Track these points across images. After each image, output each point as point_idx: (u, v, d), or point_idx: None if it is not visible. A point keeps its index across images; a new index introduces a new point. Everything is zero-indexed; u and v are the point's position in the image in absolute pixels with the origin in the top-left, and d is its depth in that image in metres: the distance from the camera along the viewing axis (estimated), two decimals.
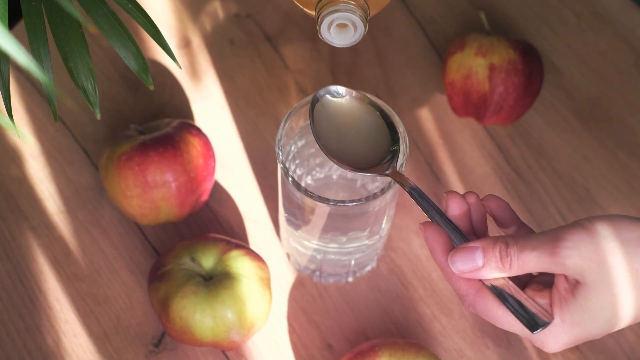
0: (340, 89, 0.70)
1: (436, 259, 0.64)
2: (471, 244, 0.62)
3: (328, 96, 0.70)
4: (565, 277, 0.61)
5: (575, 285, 0.60)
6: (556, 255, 0.60)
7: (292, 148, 0.75)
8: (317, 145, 0.75)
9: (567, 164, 0.88)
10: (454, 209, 0.64)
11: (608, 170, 0.87)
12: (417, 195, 0.65)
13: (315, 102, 0.69)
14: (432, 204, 0.64)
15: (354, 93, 0.71)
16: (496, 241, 0.62)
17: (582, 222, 0.61)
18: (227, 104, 0.90)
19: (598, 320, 0.60)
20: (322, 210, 0.73)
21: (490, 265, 0.62)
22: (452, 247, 0.63)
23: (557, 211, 0.86)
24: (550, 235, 0.61)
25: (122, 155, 0.80)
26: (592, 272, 0.60)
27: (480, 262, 0.62)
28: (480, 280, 0.63)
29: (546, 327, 0.61)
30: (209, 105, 0.90)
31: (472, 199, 0.65)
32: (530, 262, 0.61)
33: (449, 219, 0.64)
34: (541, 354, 0.83)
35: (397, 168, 0.70)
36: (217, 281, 0.77)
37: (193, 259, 0.78)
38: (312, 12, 0.66)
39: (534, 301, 0.61)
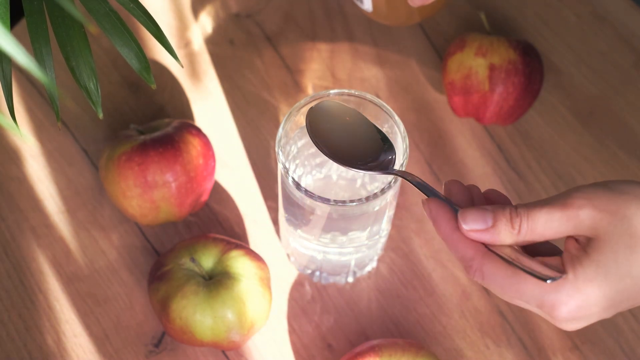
0: (330, 101, 0.71)
1: (440, 229, 0.63)
2: (481, 207, 0.62)
3: (319, 105, 0.71)
4: (576, 240, 0.60)
5: (587, 242, 0.59)
6: (568, 207, 0.59)
7: (292, 148, 0.75)
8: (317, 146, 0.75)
9: (567, 164, 0.88)
10: (458, 194, 0.64)
11: (608, 170, 0.87)
12: (424, 189, 0.65)
13: (309, 113, 0.70)
14: (439, 194, 0.64)
15: (332, 93, 0.71)
16: (505, 206, 0.61)
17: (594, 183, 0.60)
18: (227, 104, 0.90)
19: (612, 276, 0.59)
20: (322, 210, 0.73)
21: (499, 226, 0.61)
22: (455, 223, 0.63)
23: None
24: (561, 194, 0.60)
25: (122, 155, 0.80)
26: (606, 222, 0.59)
27: (490, 222, 0.61)
28: (486, 247, 0.62)
29: (559, 278, 0.59)
30: (209, 105, 0.90)
31: (474, 189, 0.65)
32: (541, 219, 0.60)
33: (455, 205, 0.64)
34: (541, 353, 0.83)
35: (397, 168, 0.71)
36: (217, 281, 0.77)
37: (193, 259, 0.78)
38: None
39: (544, 263, 0.60)
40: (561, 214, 0.60)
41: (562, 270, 0.60)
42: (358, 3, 0.86)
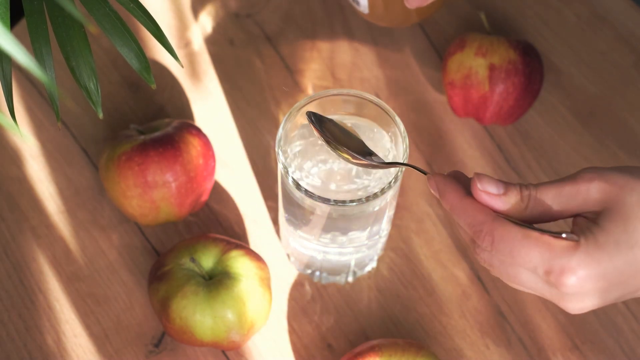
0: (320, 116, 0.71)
1: (448, 200, 0.63)
2: (493, 177, 0.62)
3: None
4: (584, 217, 0.60)
5: (596, 216, 0.59)
6: (578, 181, 0.59)
7: (292, 148, 0.75)
8: (317, 145, 0.75)
9: (567, 164, 0.88)
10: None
11: None
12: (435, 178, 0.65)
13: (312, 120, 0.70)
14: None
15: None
16: (516, 184, 0.62)
17: None
18: (227, 104, 0.90)
19: (623, 245, 0.58)
20: (322, 210, 0.73)
21: (510, 195, 0.61)
22: (463, 191, 0.63)
23: None
24: (570, 175, 0.61)
25: (122, 155, 0.80)
26: (615, 195, 0.59)
27: (502, 190, 0.61)
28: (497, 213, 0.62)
29: (573, 238, 0.59)
30: (209, 105, 0.90)
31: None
32: (550, 193, 0.60)
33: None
34: (541, 353, 0.83)
35: (398, 168, 0.71)
36: (217, 281, 0.77)
37: (193, 259, 0.78)
38: None
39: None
40: (570, 188, 0.60)
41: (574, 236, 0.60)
42: (355, 5, 0.86)
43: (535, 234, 0.60)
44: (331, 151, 0.70)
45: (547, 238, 0.59)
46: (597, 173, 0.60)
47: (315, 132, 0.70)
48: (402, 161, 0.71)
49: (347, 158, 0.69)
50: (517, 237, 0.60)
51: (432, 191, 0.65)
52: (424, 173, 0.66)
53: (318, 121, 0.70)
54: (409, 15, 0.85)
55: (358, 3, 0.85)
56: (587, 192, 0.60)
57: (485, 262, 0.62)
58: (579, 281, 0.59)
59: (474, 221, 0.62)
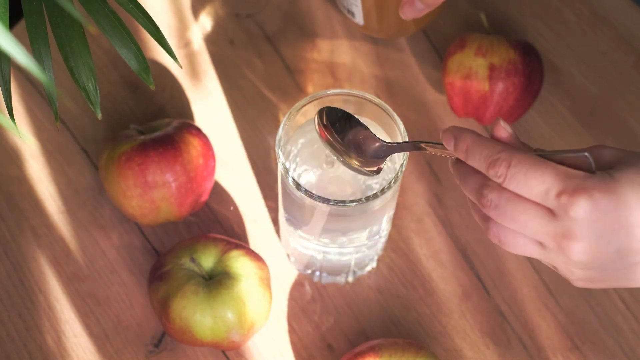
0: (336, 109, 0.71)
1: (465, 138, 0.63)
2: None
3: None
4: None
5: (609, 170, 0.60)
6: (591, 148, 0.61)
7: (292, 148, 0.75)
8: (317, 145, 0.75)
9: None
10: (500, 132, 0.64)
11: None
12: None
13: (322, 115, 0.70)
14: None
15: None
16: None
17: None
18: (227, 104, 0.90)
19: (636, 185, 0.59)
20: (322, 210, 0.73)
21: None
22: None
23: None
24: None
25: (122, 155, 0.80)
26: (626, 154, 0.60)
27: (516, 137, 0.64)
28: None
29: (590, 161, 0.59)
30: (209, 105, 0.90)
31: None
32: (560, 158, 0.61)
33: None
34: (541, 353, 0.83)
35: (398, 168, 0.71)
36: (217, 281, 0.77)
37: (193, 259, 0.78)
38: None
39: None
40: (584, 150, 0.60)
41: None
42: (349, 16, 0.86)
43: (553, 163, 0.60)
44: (334, 156, 0.70)
45: (564, 167, 0.60)
46: (610, 147, 0.62)
47: (321, 135, 0.70)
48: (402, 161, 0.71)
49: (353, 165, 0.70)
50: (535, 161, 0.60)
51: (447, 145, 0.64)
52: (434, 144, 0.66)
53: (330, 120, 0.70)
54: (404, 26, 0.85)
55: (353, 15, 0.85)
56: (599, 154, 0.61)
57: (491, 203, 0.62)
58: (590, 205, 0.58)
59: (492, 151, 0.62)
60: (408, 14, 0.78)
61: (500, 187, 0.61)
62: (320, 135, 0.70)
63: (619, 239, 0.59)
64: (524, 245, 0.62)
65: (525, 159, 0.60)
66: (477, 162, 0.63)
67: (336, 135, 0.70)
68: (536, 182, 0.60)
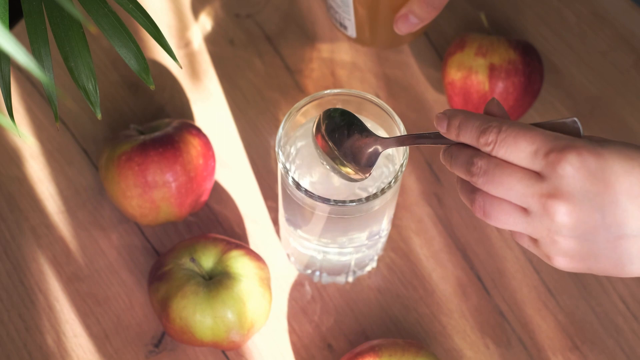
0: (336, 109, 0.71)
1: (458, 114, 0.64)
2: None
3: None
4: None
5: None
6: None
7: (292, 148, 0.75)
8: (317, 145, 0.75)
9: None
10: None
11: None
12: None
13: (321, 121, 0.70)
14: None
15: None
16: None
17: None
18: (227, 104, 0.90)
19: (623, 156, 0.59)
20: (322, 210, 0.73)
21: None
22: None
23: None
24: None
25: (122, 155, 0.80)
26: (611, 140, 0.61)
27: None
28: None
29: (577, 125, 0.60)
30: (209, 105, 0.90)
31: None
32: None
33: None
34: (541, 353, 0.83)
35: (398, 168, 0.71)
36: (217, 281, 0.77)
37: (193, 259, 0.78)
38: None
39: None
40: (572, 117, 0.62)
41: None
42: (342, 29, 0.86)
43: (543, 129, 0.61)
44: (327, 164, 0.71)
45: (554, 132, 0.60)
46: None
47: (318, 144, 0.70)
48: (402, 161, 0.71)
49: (346, 172, 0.70)
50: (525, 126, 0.61)
51: (440, 126, 0.65)
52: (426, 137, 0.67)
53: (329, 129, 0.70)
54: (397, 39, 0.85)
55: (345, 28, 0.85)
56: (590, 138, 0.61)
57: (480, 170, 0.62)
58: (578, 161, 0.59)
59: (484, 121, 0.62)
60: (402, 28, 0.79)
61: (490, 156, 0.62)
62: (317, 144, 0.70)
63: (604, 204, 0.59)
64: (508, 213, 0.62)
65: (516, 125, 0.61)
66: (468, 133, 0.63)
67: (332, 145, 0.70)
68: (526, 144, 0.60)
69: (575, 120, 0.61)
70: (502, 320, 0.84)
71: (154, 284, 0.78)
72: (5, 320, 0.83)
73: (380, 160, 0.75)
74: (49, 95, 0.65)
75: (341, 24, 0.85)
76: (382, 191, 0.70)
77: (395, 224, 0.86)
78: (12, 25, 0.89)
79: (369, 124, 0.75)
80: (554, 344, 0.83)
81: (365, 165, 0.70)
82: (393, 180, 0.70)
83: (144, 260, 0.85)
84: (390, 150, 0.74)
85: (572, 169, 0.59)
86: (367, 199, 0.70)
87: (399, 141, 0.69)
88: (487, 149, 0.62)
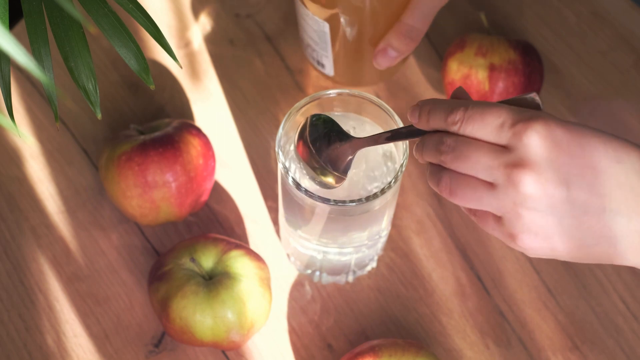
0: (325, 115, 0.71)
1: (429, 101, 0.65)
2: None
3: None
4: None
5: None
6: None
7: (293, 148, 0.75)
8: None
9: None
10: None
11: None
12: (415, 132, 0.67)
13: (307, 125, 0.70)
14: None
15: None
16: None
17: None
18: (227, 104, 0.90)
19: (589, 135, 0.59)
20: (322, 210, 0.73)
21: None
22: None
23: None
24: None
25: (122, 155, 0.80)
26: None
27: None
28: None
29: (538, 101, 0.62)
30: (209, 106, 0.90)
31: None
32: None
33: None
34: (541, 353, 0.83)
35: (398, 168, 0.71)
36: (217, 281, 0.77)
37: (193, 259, 0.78)
38: None
39: None
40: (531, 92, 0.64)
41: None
42: (319, 67, 0.86)
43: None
44: (305, 172, 0.71)
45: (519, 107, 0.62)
46: None
47: (298, 152, 0.71)
48: (402, 161, 0.71)
49: (324, 180, 0.70)
50: (491, 103, 0.62)
51: (412, 117, 0.65)
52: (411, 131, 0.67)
53: (312, 137, 0.70)
54: (374, 76, 0.86)
55: (323, 66, 0.85)
56: None
57: (448, 148, 0.62)
58: (545, 130, 0.59)
59: (452, 103, 0.63)
60: (382, 63, 0.79)
61: (459, 135, 0.62)
62: (297, 152, 0.70)
63: (570, 177, 0.59)
64: (474, 188, 0.61)
65: (482, 102, 0.62)
66: (437, 117, 0.63)
67: (315, 153, 0.70)
68: (492, 118, 0.61)
69: (533, 96, 0.62)
70: (502, 320, 0.84)
71: (154, 284, 0.78)
72: (5, 320, 0.83)
73: (380, 160, 0.75)
74: (49, 95, 0.65)
75: (318, 62, 0.85)
76: (382, 191, 0.70)
77: (395, 224, 0.86)
78: (12, 25, 0.89)
79: (369, 124, 0.75)
80: (554, 344, 0.83)
81: (342, 172, 0.70)
82: (393, 180, 0.70)
83: (144, 260, 0.85)
84: (390, 150, 0.74)
85: (538, 137, 0.59)
86: (367, 199, 0.70)
87: (374, 140, 0.69)
88: (454, 128, 0.62)
